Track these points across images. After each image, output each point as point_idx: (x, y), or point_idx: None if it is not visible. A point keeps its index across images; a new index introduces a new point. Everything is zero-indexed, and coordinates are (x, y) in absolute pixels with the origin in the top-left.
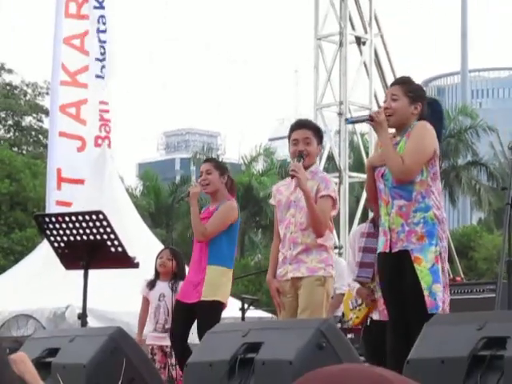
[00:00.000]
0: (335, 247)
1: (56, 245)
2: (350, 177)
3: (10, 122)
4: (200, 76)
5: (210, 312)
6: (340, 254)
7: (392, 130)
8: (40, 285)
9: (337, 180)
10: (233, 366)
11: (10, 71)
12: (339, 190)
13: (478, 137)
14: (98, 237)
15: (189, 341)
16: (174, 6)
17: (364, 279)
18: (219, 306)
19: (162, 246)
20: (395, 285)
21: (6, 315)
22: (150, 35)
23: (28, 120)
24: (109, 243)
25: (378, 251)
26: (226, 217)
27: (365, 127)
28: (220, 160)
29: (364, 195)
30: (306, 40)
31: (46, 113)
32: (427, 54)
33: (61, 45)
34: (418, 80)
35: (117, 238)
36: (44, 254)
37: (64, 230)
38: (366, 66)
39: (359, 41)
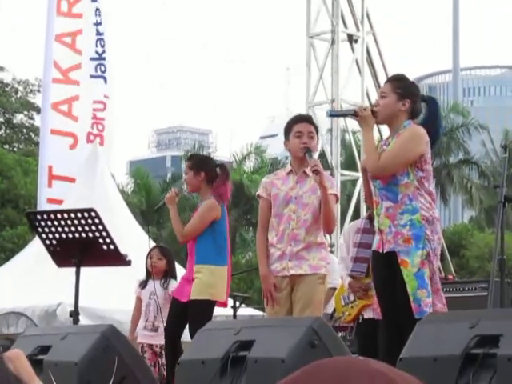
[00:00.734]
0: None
1: (48, 242)
2: (341, 175)
3: (1, 120)
4: (197, 76)
5: (198, 311)
6: (332, 252)
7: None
8: (31, 282)
9: (334, 180)
10: (225, 363)
11: (1, 69)
12: None
13: (470, 135)
14: (90, 234)
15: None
16: (171, 6)
17: (358, 273)
18: (209, 304)
19: (153, 244)
20: (388, 283)
21: None
22: (148, 35)
23: (19, 117)
24: (101, 241)
25: (372, 249)
26: (204, 216)
27: (357, 125)
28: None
29: (356, 193)
30: (298, 38)
31: (38, 110)
32: (419, 52)
33: (52, 42)
34: (409, 78)
35: (109, 235)
36: (35, 251)
37: (56, 227)
38: (357, 63)
39: (351, 39)
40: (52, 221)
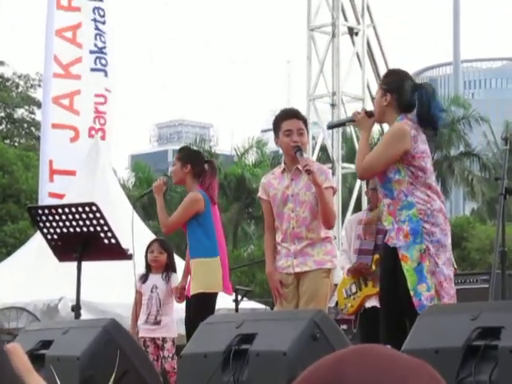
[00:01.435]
0: None
1: (49, 237)
2: (342, 168)
3: (2, 114)
4: (199, 76)
5: (193, 306)
6: None
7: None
8: (33, 277)
9: (329, 171)
10: (227, 357)
11: (1, 63)
12: None
13: (471, 127)
14: (92, 229)
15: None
16: (173, 6)
17: (363, 265)
18: (205, 297)
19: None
20: (391, 274)
21: None
22: (150, 35)
23: (20, 112)
24: (102, 235)
25: (385, 240)
26: (187, 208)
27: None
28: (212, 151)
29: (357, 186)
30: (299, 31)
31: (39, 105)
32: (420, 45)
33: (53, 37)
34: (410, 71)
35: (110, 229)
36: (37, 246)
37: (57, 221)
38: (358, 56)
39: (352, 31)
40: (53, 215)
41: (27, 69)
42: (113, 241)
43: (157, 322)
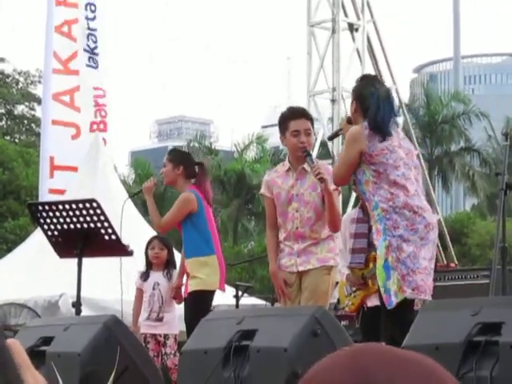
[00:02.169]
0: None
1: (50, 233)
2: None
3: (2, 111)
4: (199, 76)
5: (188, 304)
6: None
7: None
8: (33, 273)
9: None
10: (228, 353)
11: (1, 60)
12: None
13: (471, 123)
14: (92, 225)
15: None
16: (173, 6)
17: (356, 265)
18: (201, 295)
19: (154, 234)
20: None
21: None
22: (150, 35)
23: (20, 108)
24: (102, 231)
25: None
26: (181, 208)
27: None
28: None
29: None
30: (299, 27)
31: (39, 101)
32: (419, 41)
33: (52, 33)
34: (410, 66)
35: (110, 226)
36: (37, 242)
37: (57, 218)
38: (358, 52)
39: (352, 27)
40: (53, 212)
41: (27, 65)
42: (113, 237)
43: (159, 319)
